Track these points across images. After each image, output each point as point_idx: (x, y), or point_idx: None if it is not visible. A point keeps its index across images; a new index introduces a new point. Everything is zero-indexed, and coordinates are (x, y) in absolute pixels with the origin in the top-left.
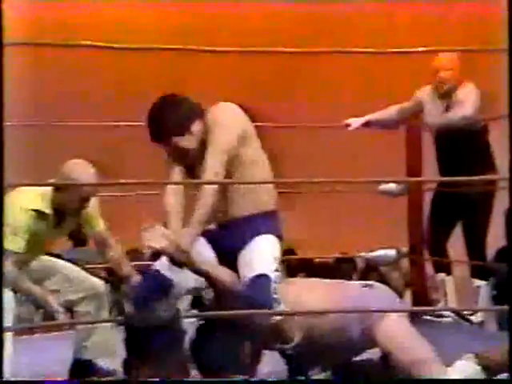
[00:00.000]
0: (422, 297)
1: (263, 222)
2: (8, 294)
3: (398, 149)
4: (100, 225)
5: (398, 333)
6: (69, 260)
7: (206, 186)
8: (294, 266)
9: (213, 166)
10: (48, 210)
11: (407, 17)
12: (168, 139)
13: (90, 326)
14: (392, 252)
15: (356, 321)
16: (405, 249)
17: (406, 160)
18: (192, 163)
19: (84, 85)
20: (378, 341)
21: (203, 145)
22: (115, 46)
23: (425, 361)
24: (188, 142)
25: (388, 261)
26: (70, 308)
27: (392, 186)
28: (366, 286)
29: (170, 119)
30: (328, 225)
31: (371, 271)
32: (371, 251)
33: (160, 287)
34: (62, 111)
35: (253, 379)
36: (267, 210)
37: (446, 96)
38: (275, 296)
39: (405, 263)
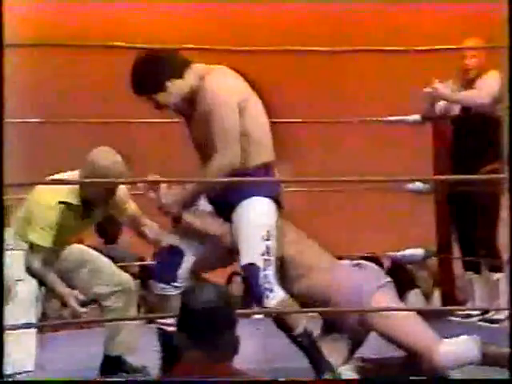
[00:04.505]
0: (451, 296)
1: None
2: (31, 286)
3: (425, 146)
4: (130, 207)
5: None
6: None
7: (215, 171)
8: None
9: (228, 158)
10: (76, 202)
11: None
12: (144, 94)
13: (118, 322)
14: (420, 251)
15: (348, 303)
16: (433, 248)
17: (432, 157)
18: (187, 115)
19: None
20: (371, 322)
21: (193, 102)
22: (119, 44)
23: (419, 332)
24: (163, 98)
25: (416, 260)
26: (98, 301)
27: (419, 184)
28: (356, 265)
29: (144, 76)
30: (354, 224)
31: (398, 271)
32: (398, 250)
33: (174, 258)
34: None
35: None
36: (261, 163)
37: (468, 85)
38: (267, 286)
39: (433, 263)
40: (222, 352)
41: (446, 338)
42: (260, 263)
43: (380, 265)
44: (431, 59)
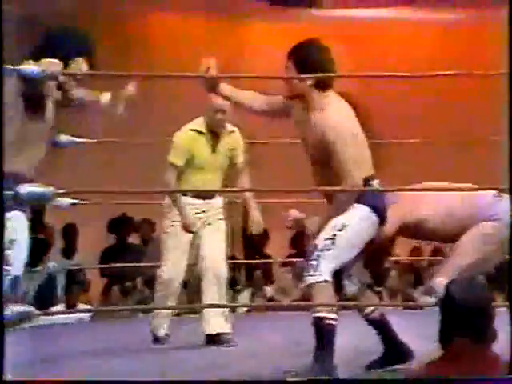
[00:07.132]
0: None
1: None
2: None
3: None
4: (238, 158)
5: (471, 242)
6: None
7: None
8: None
9: (353, 183)
10: (203, 129)
11: None
12: (289, 59)
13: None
14: None
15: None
16: None
17: None
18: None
19: None
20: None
21: (309, 117)
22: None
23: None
24: (292, 72)
25: None
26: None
27: None
28: (497, 196)
29: (299, 50)
30: None
31: None
32: None
33: None
34: None
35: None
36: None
37: None
38: (313, 262)
39: None
40: (488, 338)
41: None
42: (320, 244)
43: None
44: None
